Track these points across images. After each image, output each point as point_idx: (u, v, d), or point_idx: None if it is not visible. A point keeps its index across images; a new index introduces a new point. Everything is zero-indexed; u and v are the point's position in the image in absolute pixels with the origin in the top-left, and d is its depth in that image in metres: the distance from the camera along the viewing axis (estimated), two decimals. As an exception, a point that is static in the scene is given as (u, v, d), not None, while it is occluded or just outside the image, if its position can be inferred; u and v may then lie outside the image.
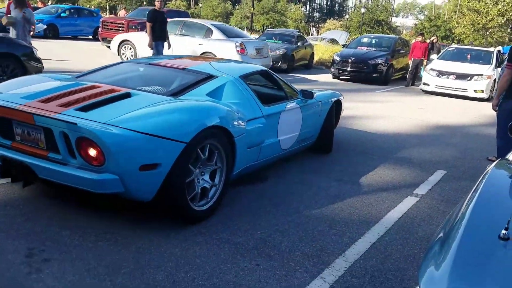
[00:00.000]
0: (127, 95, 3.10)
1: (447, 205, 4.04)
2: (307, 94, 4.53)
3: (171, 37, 11.14)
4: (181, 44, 11.31)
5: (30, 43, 7.86)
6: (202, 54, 10.95)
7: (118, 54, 12.52)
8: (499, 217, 1.59)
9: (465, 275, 1.37)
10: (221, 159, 3.27)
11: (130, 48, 12.38)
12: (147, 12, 9.83)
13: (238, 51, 10.97)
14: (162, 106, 3.00)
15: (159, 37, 9.27)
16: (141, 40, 11.72)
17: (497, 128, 5.00)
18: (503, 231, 1.46)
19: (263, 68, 4.54)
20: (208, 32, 11.51)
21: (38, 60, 6.85)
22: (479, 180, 2.04)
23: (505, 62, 4.96)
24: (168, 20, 10.33)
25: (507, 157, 2.78)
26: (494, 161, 5.52)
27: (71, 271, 2.44)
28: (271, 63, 12.52)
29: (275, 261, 2.77)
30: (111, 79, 3.65)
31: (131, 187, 2.72)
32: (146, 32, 9.22)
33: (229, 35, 11.54)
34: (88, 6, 42.14)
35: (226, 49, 10.95)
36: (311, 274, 2.68)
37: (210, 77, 3.70)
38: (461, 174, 5.05)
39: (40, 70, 6.76)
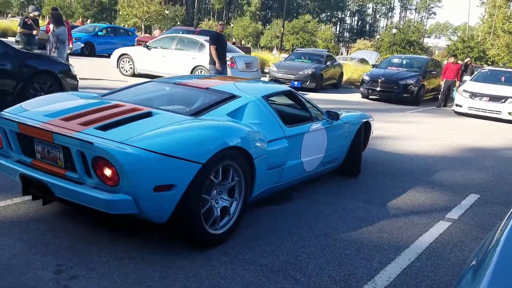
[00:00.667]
0: (148, 114, 3.09)
1: (480, 230, 3.89)
2: (333, 115, 4.43)
3: (166, 52, 12.42)
4: (176, 58, 12.37)
5: (67, 60, 8.15)
6: (195, 67, 12.01)
7: (117, 67, 13.11)
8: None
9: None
10: (239, 178, 3.20)
11: (129, 61, 12.97)
12: (209, 36, 10.16)
13: (228, 64, 11.53)
14: (179, 126, 2.96)
15: (221, 60, 9.49)
16: (139, 54, 12.72)
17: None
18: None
19: (288, 88, 4.46)
20: (201, 47, 12.27)
21: (74, 77, 7.06)
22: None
23: None
24: (164, 35, 10.72)
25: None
26: (531, 186, 5.33)
27: (98, 288, 2.45)
28: (260, 77, 13.24)
29: (301, 285, 2.71)
30: (135, 98, 3.68)
31: (145, 208, 2.65)
32: (210, 54, 9.45)
33: None
34: (124, 25, 43.53)
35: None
36: (338, 299, 2.60)
37: (232, 97, 3.66)
38: (494, 199, 4.87)
39: (75, 87, 6.97)
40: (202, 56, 11.81)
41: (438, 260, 3.23)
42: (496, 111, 11.57)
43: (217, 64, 9.33)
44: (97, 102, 3.40)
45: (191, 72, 12.13)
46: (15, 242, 2.84)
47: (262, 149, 3.36)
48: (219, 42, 9.45)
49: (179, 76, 4.72)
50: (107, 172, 2.58)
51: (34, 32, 9.88)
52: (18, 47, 8.59)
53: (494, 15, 46.00)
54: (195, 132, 2.93)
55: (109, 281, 2.52)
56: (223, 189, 3.14)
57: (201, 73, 12.06)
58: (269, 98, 4.00)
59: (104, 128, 2.78)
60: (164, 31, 23.07)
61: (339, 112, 4.66)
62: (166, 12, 53.98)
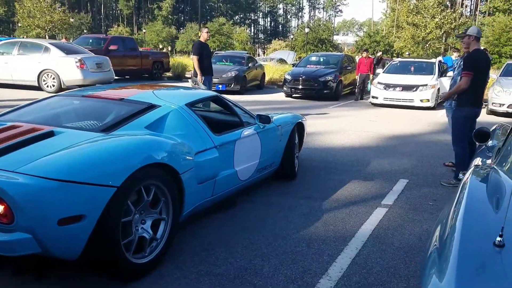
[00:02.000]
0: (50, 134, 2.71)
1: (415, 213, 4.14)
2: (264, 119, 4.22)
3: (8, 58, 11.93)
4: (19, 63, 12.05)
5: None
6: (41, 71, 11.81)
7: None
8: (491, 224, 1.62)
9: (470, 284, 1.37)
10: (165, 198, 2.87)
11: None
12: (192, 45, 9.47)
13: (77, 66, 11.76)
14: (86, 145, 2.57)
15: (207, 71, 8.63)
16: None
17: (452, 135, 5.21)
18: (498, 238, 1.49)
19: (214, 93, 4.19)
20: (46, 50, 12.08)
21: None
22: (459, 189, 2.08)
23: (460, 71, 5.16)
24: (4, 41, 10.21)
25: (475, 163, 2.88)
26: (451, 166, 5.78)
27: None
28: (113, 77, 13.24)
29: (260, 288, 2.70)
30: (36, 116, 3.27)
31: (50, 246, 2.25)
32: (193, 65, 8.60)
33: (68, 52, 12.27)
34: (24, 37, 40.86)
35: (66, 65, 11.82)
36: (297, 297, 2.63)
37: (151, 107, 3.30)
38: (422, 182, 5.21)
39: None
40: (48, 59, 11.87)
41: (383, 246, 3.39)
42: (409, 99, 12.40)
43: (198, 76, 8.40)
44: None
45: (39, 76, 11.79)
46: None
47: (189, 162, 3.07)
48: (203, 51, 8.57)
49: (88, 87, 4.24)
50: None
51: None
52: None
53: (396, 9, 49.48)
54: (104, 151, 2.55)
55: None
56: (146, 218, 2.79)
57: (49, 76, 11.90)
58: (194, 106, 3.74)
59: None
60: (71, 40, 21.89)
61: (270, 115, 4.59)
62: (71, 20, 51.54)
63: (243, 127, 4.04)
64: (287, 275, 2.88)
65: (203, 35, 8.79)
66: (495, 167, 2.45)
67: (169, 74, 19.98)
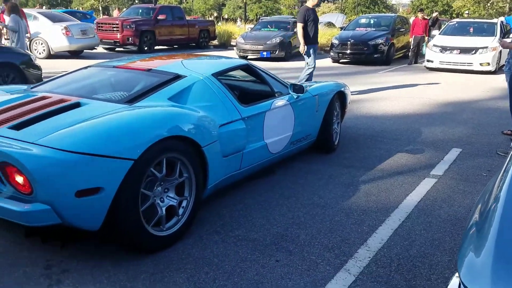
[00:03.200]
0: (76, 105, 2.72)
1: (466, 184, 3.91)
2: (298, 89, 3.98)
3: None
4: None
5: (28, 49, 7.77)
6: (32, 39, 12.45)
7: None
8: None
9: (508, 263, 1.25)
10: (188, 174, 2.79)
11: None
12: (298, 10, 8.86)
13: (63, 33, 12.55)
14: (106, 118, 2.53)
15: (312, 41, 7.59)
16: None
17: (510, 100, 4.84)
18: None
19: (244, 62, 3.97)
20: (35, 18, 12.65)
21: (37, 68, 6.74)
22: (508, 159, 1.90)
23: None
24: None
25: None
26: (509, 135, 5.40)
27: (91, 280, 2.36)
28: (98, 43, 14.02)
29: (295, 256, 2.66)
30: (66, 88, 3.27)
31: (69, 217, 2.27)
32: (296, 34, 7.83)
33: (54, 20, 12.95)
34: (80, 8, 41.91)
35: (53, 32, 12.59)
36: (334, 266, 2.57)
37: (176, 77, 3.23)
38: (476, 151, 4.91)
39: (39, 78, 6.66)
40: (38, 27, 12.58)
41: (429, 218, 3.23)
42: (467, 63, 11.67)
43: (301, 46, 7.51)
44: (21, 96, 3.02)
45: (30, 44, 12.22)
46: (0, 240, 2.71)
47: (212, 135, 2.96)
48: (308, 18, 7.46)
49: (120, 58, 4.22)
50: (19, 179, 2.21)
51: None
52: None
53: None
54: (122, 124, 2.51)
55: (101, 270, 2.44)
56: (169, 186, 2.75)
57: (38, 43, 12.64)
58: (222, 75, 3.59)
59: (19, 126, 2.41)
60: (124, 10, 22.26)
61: (306, 84, 4.37)
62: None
63: (275, 98, 3.85)
64: (323, 243, 2.82)
65: (310, 1, 7.66)
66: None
67: (215, 42, 19.91)
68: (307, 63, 7.60)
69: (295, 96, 4.02)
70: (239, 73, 4.47)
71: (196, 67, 3.51)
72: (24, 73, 6.42)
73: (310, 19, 7.49)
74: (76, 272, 2.42)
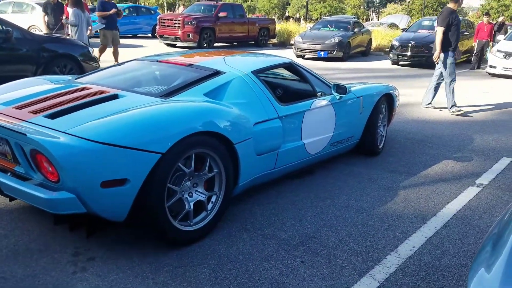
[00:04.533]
0: (114, 97, 2.78)
1: (511, 195, 3.72)
2: (341, 89, 3.92)
3: (4, 16, 12.90)
4: (12, 20, 13.63)
5: (88, 42, 8.17)
6: (29, 27, 13.42)
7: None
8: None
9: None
10: (218, 169, 2.81)
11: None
12: (440, 12, 7.02)
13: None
14: (138, 110, 2.56)
15: (452, 48, 6.73)
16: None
17: None
18: None
19: (287, 60, 3.95)
20: (32, 8, 14.69)
21: (95, 60, 7.11)
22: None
23: None
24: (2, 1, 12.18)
25: None
26: None
27: (115, 270, 2.46)
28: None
29: (321, 258, 2.66)
30: (108, 80, 3.34)
31: (94, 206, 2.31)
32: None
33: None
34: (146, 4, 43.51)
35: None
36: (360, 271, 2.54)
37: (215, 73, 3.24)
38: (531, 162, 4.63)
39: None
40: (33, 16, 14.22)
41: (466, 228, 3.11)
42: (533, 70, 10.96)
43: (436, 53, 6.73)
44: (63, 86, 3.12)
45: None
46: (34, 227, 2.88)
47: (246, 133, 2.95)
48: (453, 23, 6.64)
49: (165, 53, 4.29)
50: (48, 167, 2.27)
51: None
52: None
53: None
54: (152, 117, 2.52)
55: (126, 261, 2.55)
56: (198, 181, 2.76)
57: (35, 31, 12.90)
58: (263, 73, 3.56)
59: (54, 115, 2.47)
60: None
61: (351, 85, 4.29)
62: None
63: (316, 98, 3.81)
64: (352, 247, 2.80)
65: (452, 4, 6.77)
66: None
67: (274, 41, 19.99)
68: (439, 74, 6.87)
69: (337, 97, 3.95)
70: (283, 72, 4.48)
71: (237, 64, 3.53)
72: (82, 65, 6.79)
73: (454, 24, 6.65)
74: (101, 261, 2.51)
